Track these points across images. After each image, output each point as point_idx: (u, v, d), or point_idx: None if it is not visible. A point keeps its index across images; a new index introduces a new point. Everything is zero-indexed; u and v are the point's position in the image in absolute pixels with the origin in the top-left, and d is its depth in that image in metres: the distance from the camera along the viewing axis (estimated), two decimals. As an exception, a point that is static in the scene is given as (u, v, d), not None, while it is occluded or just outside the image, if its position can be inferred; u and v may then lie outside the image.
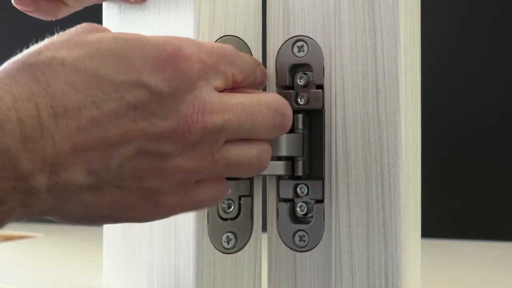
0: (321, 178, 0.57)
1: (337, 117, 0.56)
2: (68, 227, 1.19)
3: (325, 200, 0.56)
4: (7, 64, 0.43)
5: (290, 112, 0.52)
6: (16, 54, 0.44)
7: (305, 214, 0.57)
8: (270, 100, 0.51)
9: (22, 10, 0.57)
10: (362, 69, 0.55)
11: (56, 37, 0.45)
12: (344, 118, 0.56)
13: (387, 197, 0.55)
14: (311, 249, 0.57)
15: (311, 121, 0.58)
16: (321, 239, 0.56)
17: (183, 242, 0.56)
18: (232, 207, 0.57)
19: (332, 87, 0.56)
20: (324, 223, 0.56)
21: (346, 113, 0.56)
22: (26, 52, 0.44)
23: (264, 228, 0.58)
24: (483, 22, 1.12)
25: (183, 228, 0.56)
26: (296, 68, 0.58)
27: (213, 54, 0.48)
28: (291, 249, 0.57)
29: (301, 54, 0.57)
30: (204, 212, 0.56)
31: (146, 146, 0.44)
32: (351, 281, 0.55)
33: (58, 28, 0.48)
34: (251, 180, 0.58)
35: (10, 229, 1.13)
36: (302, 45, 0.57)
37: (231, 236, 0.57)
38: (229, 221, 0.57)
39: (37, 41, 0.45)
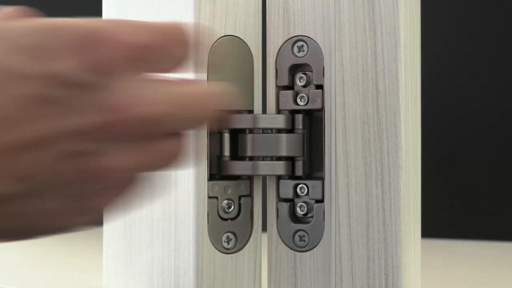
0: (321, 178, 0.57)
1: (337, 117, 0.56)
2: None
3: (325, 200, 0.56)
4: None
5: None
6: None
7: (305, 214, 0.57)
8: (200, 92, 0.42)
9: None
10: (362, 69, 0.55)
11: None
12: (344, 118, 0.56)
13: (387, 197, 0.55)
14: (311, 249, 0.57)
15: (311, 121, 0.58)
16: (321, 239, 0.56)
17: (183, 242, 0.56)
18: (232, 207, 0.57)
19: (332, 87, 0.56)
20: (324, 223, 0.56)
21: (346, 113, 0.56)
22: None
23: (264, 228, 0.58)
24: (483, 22, 1.11)
25: (183, 228, 0.56)
26: (296, 68, 0.58)
27: (142, 35, 0.40)
28: (291, 249, 0.57)
29: (301, 54, 0.57)
30: (204, 212, 0.56)
31: (69, 146, 0.38)
32: (351, 281, 0.55)
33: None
34: (251, 180, 0.58)
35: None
36: (302, 45, 0.57)
37: (231, 236, 0.57)
38: (229, 221, 0.57)
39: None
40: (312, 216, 0.57)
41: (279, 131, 0.57)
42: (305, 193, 0.57)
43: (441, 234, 1.08)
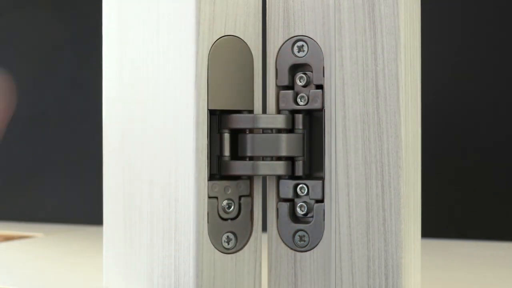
0: (321, 178, 0.57)
1: (337, 117, 0.56)
2: (68, 227, 1.19)
3: (325, 200, 0.56)
4: None
5: None
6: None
7: (305, 214, 0.57)
8: None
9: None
10: (362, 69, 0.55)
11: None
12: (344, 118, 0.56)
13: (387, 197, 0.55)
14: (311, 249, 0.57)
15: (311, 121, 0.58)
16: (321, 239, 0.56)
17: (183, 242, 0.56)
18: (232, 207, 0.57)
19: (332, 87, 0.56)
20: (324, 223, 0.56)
21: (346, 113, 0.56)
22: None
23: (264, 228, 0.58)
24: (483, 22, 1.11)
25: (183, 228, 0.56)
26: (296, 68, 0.58)
27: None
28: (291, 249, 0.57)
29: (301, 54, 0.57)
30: (204, 212, 0.56)
31: None
32: (351, 281, 0.55)
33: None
34: (251, 180, 0.58)
35: (10, 229, 1.13)
36: (302, 45, 0.57)
37: (231, 236, 0.57)
38: (229, 221, 0.57)
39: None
40: (312, 216, 0.57)
41: (279, 131, 0.57)
42: (305, 193, 0.57)
43: (441, 234, 1.08)
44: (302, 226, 0.57)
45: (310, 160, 0.58)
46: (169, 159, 0.57)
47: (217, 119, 0.57)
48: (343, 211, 0.56)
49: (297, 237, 0.57)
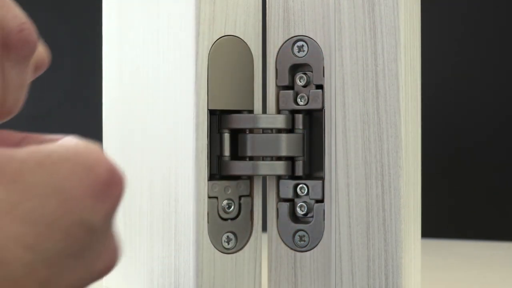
0: (321, 178, 0.57)
1: (337, 117, 0.56)
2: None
3: (325, 200, 0.56)
4: None
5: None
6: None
7: (305, 214, 0.57)
8: None
9: None
10: (362, 69, 0.55)
11: None
12: (344, 118, 0.56)
13: (387, 197, 0.55)
14: (311, 249, 0.57)
15: (311, 121, 0.58)
16: (321, 239, 0.56)
17: (183, 242, 0.56)
18: (232, 207, 0.57)
19: (332, 87, 0.56)
20: (324, 223, 0.56)
21: (346, 113, 0.56)
22: None
23: (264, 228, 0.58)
24: (483, 22, 1.12)
25: (183, 228, 0.56)
26: (296, 68, 0.58)
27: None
28: (291, 249, 0.57)
29: (301, 54, 0.57)
30: (204, 212, 0.56)
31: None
32: (351, 281, 0.55)
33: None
34: (251, 180, 0.58)
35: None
36: (302, 45, 0.57)
37: (231, 236, 0.57)
38: (229, 221, 0.57)
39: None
40: (312, 216, 0.57)
41: (279, 131, 0.57)
42: (305, 193, 0.57)
43: (441, 234, 1.08)
44: (302, 226, 0.57)
45: (310, 160, 0.58)
46: (169, 159, 0.57)
47: (217, 119, 0.57)
48: (343, 211, 0.56)
49: (297, 237, 0.57)
